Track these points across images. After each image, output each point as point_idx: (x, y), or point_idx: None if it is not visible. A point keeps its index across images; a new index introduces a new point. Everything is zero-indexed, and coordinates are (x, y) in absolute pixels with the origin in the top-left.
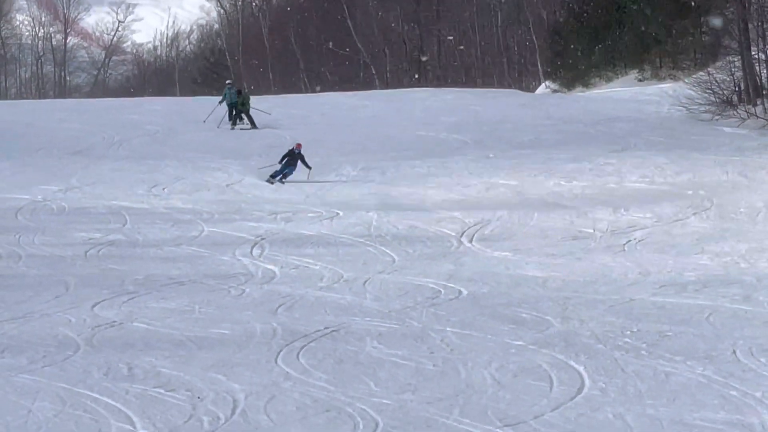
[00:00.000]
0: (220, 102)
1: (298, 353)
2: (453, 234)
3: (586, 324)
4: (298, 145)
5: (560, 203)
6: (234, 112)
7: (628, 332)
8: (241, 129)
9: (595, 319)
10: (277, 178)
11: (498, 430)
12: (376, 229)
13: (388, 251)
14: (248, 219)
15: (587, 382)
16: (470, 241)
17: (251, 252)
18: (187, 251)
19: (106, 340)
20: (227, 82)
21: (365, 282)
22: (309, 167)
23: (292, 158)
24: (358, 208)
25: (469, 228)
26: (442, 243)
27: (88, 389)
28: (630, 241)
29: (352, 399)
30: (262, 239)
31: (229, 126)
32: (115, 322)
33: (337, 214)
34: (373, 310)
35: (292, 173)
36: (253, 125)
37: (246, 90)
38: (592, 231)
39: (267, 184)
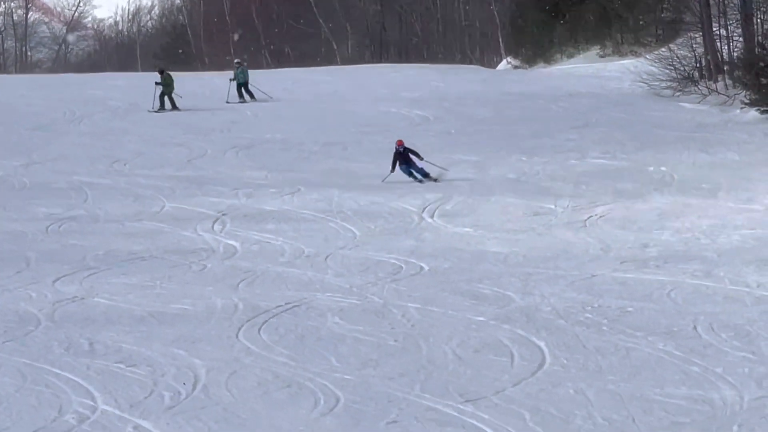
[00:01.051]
0: (231, 79)
1: (260, 329)
2: (414, 210)
3: (548, 299)
4: (399, 142)
5: (521, 179)
6: (241, 90)
7: (590, 308)
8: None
9: (556, 294)
10: (418, 179)
11: (459, 405)
12: (337, 205)
13: (349, 227)
14: (209, 194)
15: (548, 357)
16: (431, 217)
17: (213, 227)
18: (149, 227)
19: (68, 316)
20: (236, 61)
21: (327, 257)
22: (421, 158)
23: (402, 157)
24: (320, 184)
25: (431, 204)
26: (403, 218)
27: (49, 364)
28: (591, 216)
29: (313, 374)
30: (224, 215)
31: (237, 101)
32: (76, 297)
33: (299, 189)
34: (334, 286)
35: (411, 172)
36: (174, 107)
37: (167, 72)
38: (553, 207)
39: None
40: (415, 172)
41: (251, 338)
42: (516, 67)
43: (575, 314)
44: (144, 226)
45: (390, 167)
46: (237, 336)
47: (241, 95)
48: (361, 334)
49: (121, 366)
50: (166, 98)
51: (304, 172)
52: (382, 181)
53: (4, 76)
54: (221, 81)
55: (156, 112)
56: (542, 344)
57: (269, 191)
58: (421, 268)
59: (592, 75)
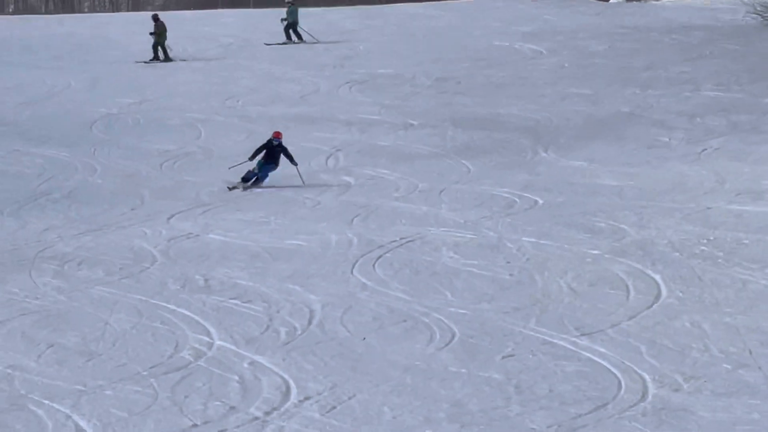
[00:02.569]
0: (283, 19)
1: (374, 264)
2: (528, 144)
3: (663, 232)
4: (277, 134)
5: (635, 112)
6: (289, 31)
7: (705, 240)
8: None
9: (671, 227)
10: (250, 182)
11: (575, 338)
12: (451, 140)
13: (463, 161)
14: (323, 130)
15: (664, 290)
16: (545, 151)
17: (326, 163)
18: None
19: (182, 252)
20: (287, 1)
21: (441, 192)
22: (295, 163)
23: (271, 153)
24: (434, 118)
25: (544, 137)
26: (517, 153)
27: (165, 301)
28: (706, 149)
29: (428, 309)
30: (338, 150)
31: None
32: (190, 234)
33: (412, 125)
34: (449, 220)
35: (267, 176)
36: (167, 58)
37: (161, 21)
38: (667, 140)
39: (234, 186)
40: (260, 182)
41: (366, 273)
42: (629, 0)
43: (691, 247)
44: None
45: (250, 155)
46: (352, 271)
47: (288, 36)
48: (476, 269)
49: (237, 302)
50: (160, 49)
51: (418, 107)
52: (229, 168)
53: (117, 14)
54: (335, 16)
55: (148, 62)
56: (658, 277)
57: (383, 127)
58: (536, 202)
59: (705, 7)
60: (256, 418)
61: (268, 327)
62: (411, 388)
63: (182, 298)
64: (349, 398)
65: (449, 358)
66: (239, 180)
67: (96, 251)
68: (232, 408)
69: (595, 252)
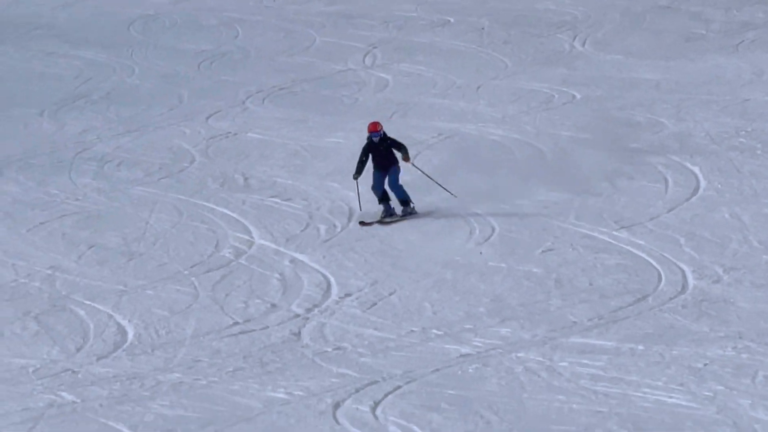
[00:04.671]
0: None
1: (413, 160)
2: (565, 38)
3: (701, 125)
4: (374, 127)
5: (672, 5)
6: None
7: (743, 132)
8: None
9: (709, 119)
10: (387, 211)
11: (614, 232)
12: (488, 36)
13: (500, 57)
14: (360, 28)
15: (702, 182)
16: (583, 45)
17: (363, 61)
18: (300, 61)
19: (221, 151)
20: None
21: (478, 88)
22: (407, 156)
23: (378, 156)
24: (471, 14)
25: (582, 32)
26: (555, 47)
27: (205, 200)
28: (743, 41)
29: (468, 204)
30: (375, 48)
31: None
32: (229, 132)
33: (449, 21)
34: (486, 116)
35: (400, 187)
36: None
37: None
38: (704, 32)
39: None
40: (393, 193)
41: (405, 169)
42: None
43: (729, 139)
44: (295, 61)
45: (355, 169)
46: None
47: None
48: (515, 163)
49: (276, 200)
50: None
51: (454, 3)
52: (361, 224)
53: None
54: None
55: None
56: (696, 169)
57: (419, 23)
58: (573, 96)
59: None
60: (297, 316)
61: (308, 225)
62: (451, 283)
63: (222, 197)
64: (390, 294)
65: (489, 253)
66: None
67: (135, 152)
68: (273, 306)
69: (634, 145)
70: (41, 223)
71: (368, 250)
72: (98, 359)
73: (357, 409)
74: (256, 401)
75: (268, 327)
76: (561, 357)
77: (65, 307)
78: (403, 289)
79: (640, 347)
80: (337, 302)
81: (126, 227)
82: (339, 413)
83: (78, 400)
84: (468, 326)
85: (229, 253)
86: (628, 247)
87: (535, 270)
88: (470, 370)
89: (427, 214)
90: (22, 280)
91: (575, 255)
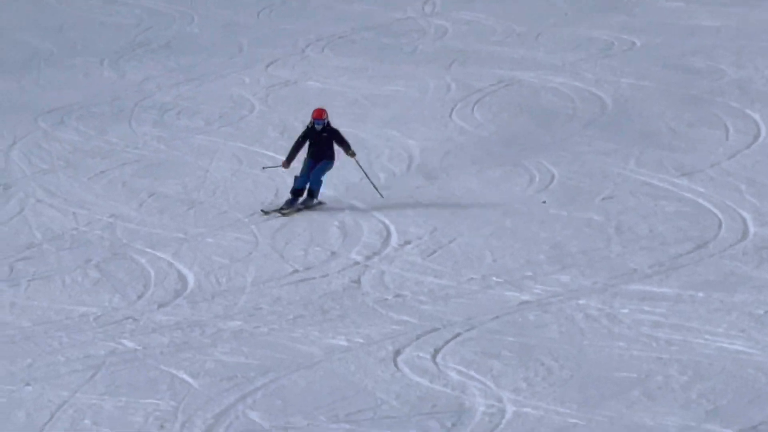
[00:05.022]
0: None
1: (473, 108)
2: None
3: (762, 72)
4: (320, 113)
5: None
6: None
7: None
8: None
9: None
10: (299, 201)
11: (674, 179)
12: None
13: (560, 3)
14: None
15: (763, 129)
16: None
17: (423, 9)
18: (358, 9)
19: (281, 99)
20: None
21: (538, 35)
22: (352, 153)
23: (316, 145)
24: None
25: None
26: None
27: (264, 148)
28: None
29: (527, 151)
30: None
31: None
32: (289, 81)
33: None
34: (546, 64)
35: (321, 181)
36: None
37: None
38: None
39: (273, 211)
40: (310, 181)
41: (464, 117)
42: None
43: None
44: (354, 9)
45: (286, 156)
46: (450, 116)
47: None
48: (574, 110)
49: (336, 148)
50: None
51: None
52: (263, 169)
53: None
54: None
55: None
56: (757, 117)
57: None
58: (633, 43)
59: None
60: (357, 263)
61: (367, 173)
62: (511, 230)
63: (282, 145)
64: (450, 242)
65: (549, 200)
66: (287, 199)
67: (195, 100)
68: (333, 253)
69: (694, 92)
70: (101, 172)
71: (428, 198)
72: (159, 307)
73: (417, 356)
74: (317, 348)
75: (328, 275)
76: (621, 304)
77: (126, 255)
78: (463, 236)
79: (701, 294)
80: (396, 250)
81: (186, 176)
82: (399, 360)
83: (139, 348)
84: (528, 273)
85: (289, 197)
86: (689, 194)
87: (595, 217)
88: (530, 318)
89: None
90: (83, 229)
91: (635, 202)
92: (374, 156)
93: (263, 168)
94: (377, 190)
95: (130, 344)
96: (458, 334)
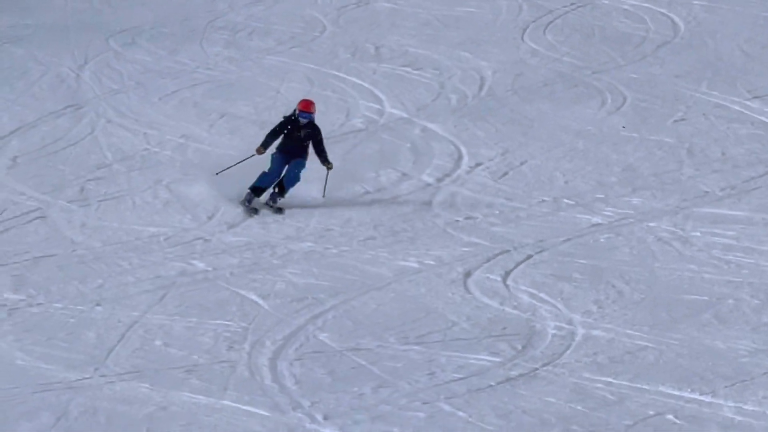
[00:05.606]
0: None
1: (545, 29)
2: None
3: None
4: (306, 105)
5: None
6: None
7: None
8: None
9: None
10: (266, 196)
11: (746, 101)
12: None
13: None
14: None
15: None
16: None
17: None
18: None
19: (353, 20)
20: None
21: None
22: (328, 164)
23: (292, 139)
24: None
25: None
26: None
27: (336, 69)
28: None
29: (600, 73)
30: None
31: None
32: (360, 1)
33: None
34: None
35: (297, 178)
36: None
37: None
38: None
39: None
40: (285, 180)
41: (536, 39)
42: None
43: None
44: None
45: (261, 142)
46: (522, 37)
47: None
48: (647, 32)
49: (408, 69)
50: None
51: None
52: (216, 174)
53: None
54: None
55: None
56: None
57: None
58: None
59: None
60: (429, 185)
61: (439, 94)
62: (583, 152)
63: (353, 66)
64: (521, 164)
65: (621, 122)
66: (246, 193)
67: (267, 20)
68: (404, 175)
69: (766, 14)
70: (172, 92)
71: (499, 119)
72: (229, 228)
73: (488, 278)
74: (387, 270)
75: (399, 196)
76: (693, 227)
77: (196, 176)
78: (535, 158)
79: None
80: (468, 171)
81: (257, 96)
82: (470, 282)
83: (209, 269)
84: (600, 196)
85: (360, 122)
86: (761, 117)
87: (667, 139)
88: (602, 240)
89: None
90: (154, 149)
91: (707, 124)
92: (446, 77)
93: (216, 174)
94: (324, 188)
95: (200, 265)
96: (529, 257)
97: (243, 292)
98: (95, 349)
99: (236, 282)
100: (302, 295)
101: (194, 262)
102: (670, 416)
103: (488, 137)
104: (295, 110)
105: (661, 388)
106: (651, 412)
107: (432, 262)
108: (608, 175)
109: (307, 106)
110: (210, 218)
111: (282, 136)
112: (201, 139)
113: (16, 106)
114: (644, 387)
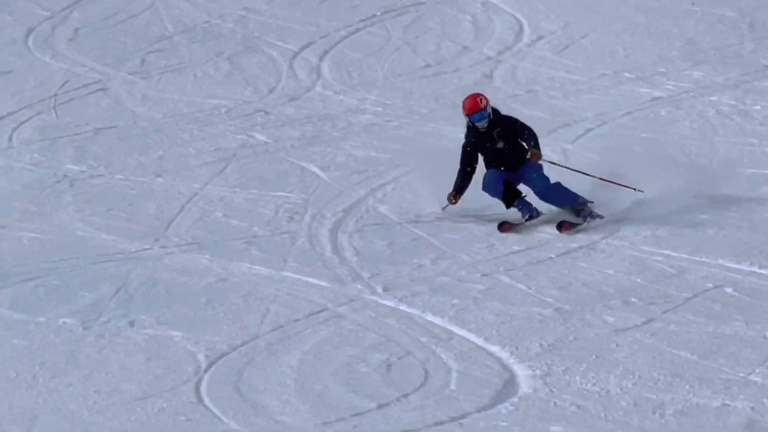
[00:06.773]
0: None
1: None
2: None
3: None
4: (474, 104)
5: None
6: None
7: None
8: None
9: None
10: (527, 215)
11: None
12: None
13: None
14: None
15: None
16: None
17: None
18: None
19: None
20: None
21: None
22: (539, 153)
23: (492, 149)
24: None
25: None
26: None
27: None
28: None
29: None
30: None
31: None
32: None
33: None
34: None
35: (544, 174)
36: None
37: None
38: None
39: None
40: (555, 200)
41: None
42: None
43: None
44: None
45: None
46: None
47: None
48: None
49: None
50: None
51: None
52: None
53: None
54: None
55: None
56: None
57: None
58: None
59: None
60: (489, 58)
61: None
62: (644, 26)
63: None
64: (582, 37)
65: None
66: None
67: None
68: (465, 48)
69: None
70: None
71: None
72: (290, 100)
73: (550, 150)
74: (448, 142)
75: (459, 69)
76: (753, 101)
77: (258, 48)
78: (596, 32)
79: None
80: (528, 45)
81: None
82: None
83: (269, 141)
84: (660, 69)
85: None
86: None
87: (728, 14)
88: (662, 113)
89: None
90: (215, 21)
91: None
92: None
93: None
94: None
95: (260, 137)
96: (589, 130)
97: (303, 164)
98: (155, 220)
99: (297, 154)
100: (362, 168)
101: (255, 134)
102: (729, 289)
103: (549, 10)
104: (466, 120)
105: (720, 261)
106: (710, 285)
107: None
108: (669, 49)
109: (473, 105)
110: (271, 91)
111: (480, 158)
112: (261, 11)
113: None
114: (703, 260)
